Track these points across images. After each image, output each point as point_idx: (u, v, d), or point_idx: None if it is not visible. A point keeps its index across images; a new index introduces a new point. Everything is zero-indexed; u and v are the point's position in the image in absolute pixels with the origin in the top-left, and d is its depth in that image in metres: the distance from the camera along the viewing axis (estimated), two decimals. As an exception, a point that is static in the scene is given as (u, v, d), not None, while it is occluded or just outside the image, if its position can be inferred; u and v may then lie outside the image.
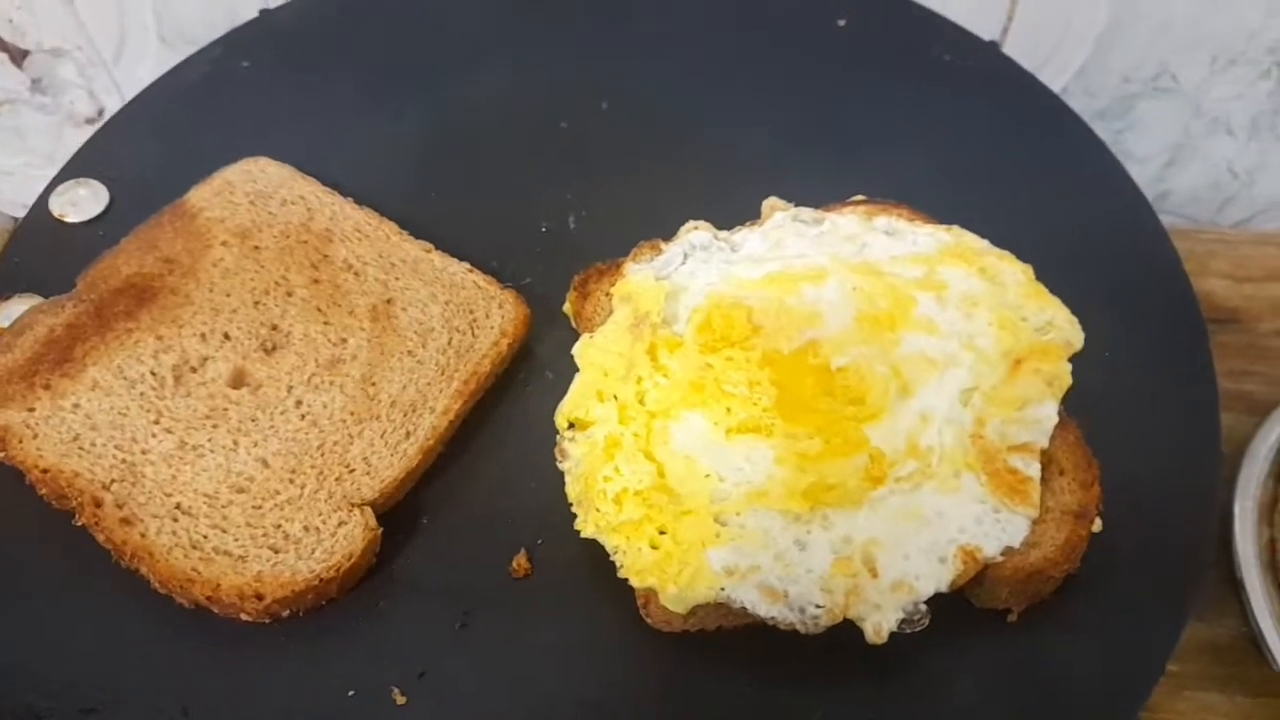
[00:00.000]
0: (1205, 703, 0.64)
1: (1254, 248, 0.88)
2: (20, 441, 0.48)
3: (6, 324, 0.53)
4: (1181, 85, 0.85)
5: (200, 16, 0.88)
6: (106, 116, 0.98)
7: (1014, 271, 0.51)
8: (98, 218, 0.59)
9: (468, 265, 0.56)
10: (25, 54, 0.92)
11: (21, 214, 0.72)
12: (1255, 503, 0.67)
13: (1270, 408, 0.72)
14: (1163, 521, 0.48)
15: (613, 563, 0.46)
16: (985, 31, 0.70)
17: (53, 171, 1.02)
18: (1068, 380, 0.47)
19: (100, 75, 0.94)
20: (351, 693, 0.45)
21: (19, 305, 0.54)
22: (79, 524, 0.46)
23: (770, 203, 0.56)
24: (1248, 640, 0.65)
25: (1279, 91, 0.84)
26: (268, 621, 0.45)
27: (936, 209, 0.56)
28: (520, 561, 0.48)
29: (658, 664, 0.46)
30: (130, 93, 0.95)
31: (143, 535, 0.45)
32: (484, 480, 0.51)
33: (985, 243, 0.53)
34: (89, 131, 0.99)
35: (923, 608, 0.42)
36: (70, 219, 0.58)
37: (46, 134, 0.99)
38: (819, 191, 0.57)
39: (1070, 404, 0.48)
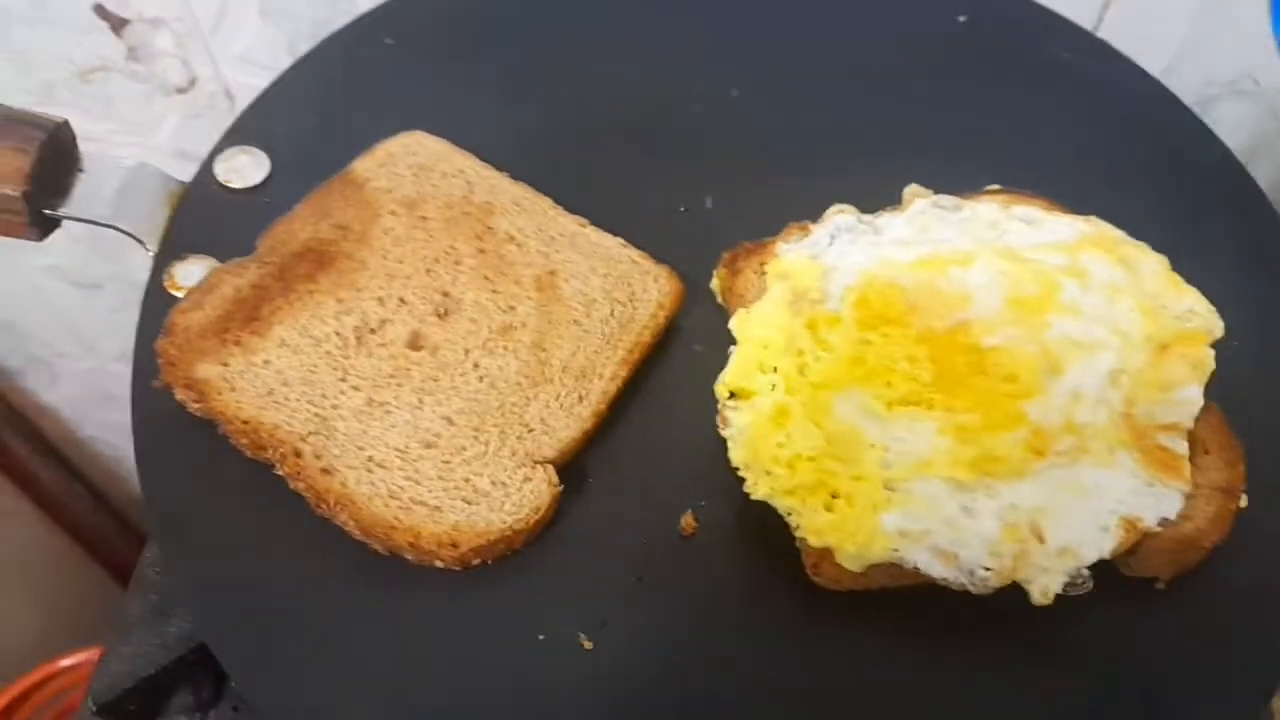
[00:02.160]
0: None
1: (1323, 249, 0.92)
2: (220, 394, 0.50)
3: (185, 283, 0.56)
4: (1262, 88, 0.88)
5: (302, -10, 0.90)
6: (198, 87, 1.00)
7: (1150, 262, 0.54)
8: (260, 185, 0.61)
9: (622, 240, 0.58)
10: (125, 23, 0.94)
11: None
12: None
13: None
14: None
15: (774, 523, 0.49)
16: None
17: (138, 140, 1.05)
18: (1211, 365, 0.50)
19: (196, 46, 0.96)
20: (541, 636, 0.48)
21: (195, 265, 0.57)
22: (279, 473, 0.49)
23: (912, 189, 0.59)
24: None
25: (1356, 98, 0.87)
26: (458, 569, 0.48)
27: (1062, 198, 0.59)
28: (688, 521, 0.51)
29: (825, 618, 0.49)
30: (224, 64, 0.97)
31: (343, 485, 0.48)
32: (643, 445, 0.54)
33: (1122, 233, 0.55)
34: (179, 101, 1.01)
35: (1085, 572, 0.46)
36: (235, 185, 0.61)
37: (135, 102, 1.01)
38: (950, 180, 0.60)
39: (1208, 388, 0.51)
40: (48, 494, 1.31)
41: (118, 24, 0.94)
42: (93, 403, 1.33)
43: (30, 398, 1.32)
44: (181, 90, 1.01)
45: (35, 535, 1.31)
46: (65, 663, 1.18)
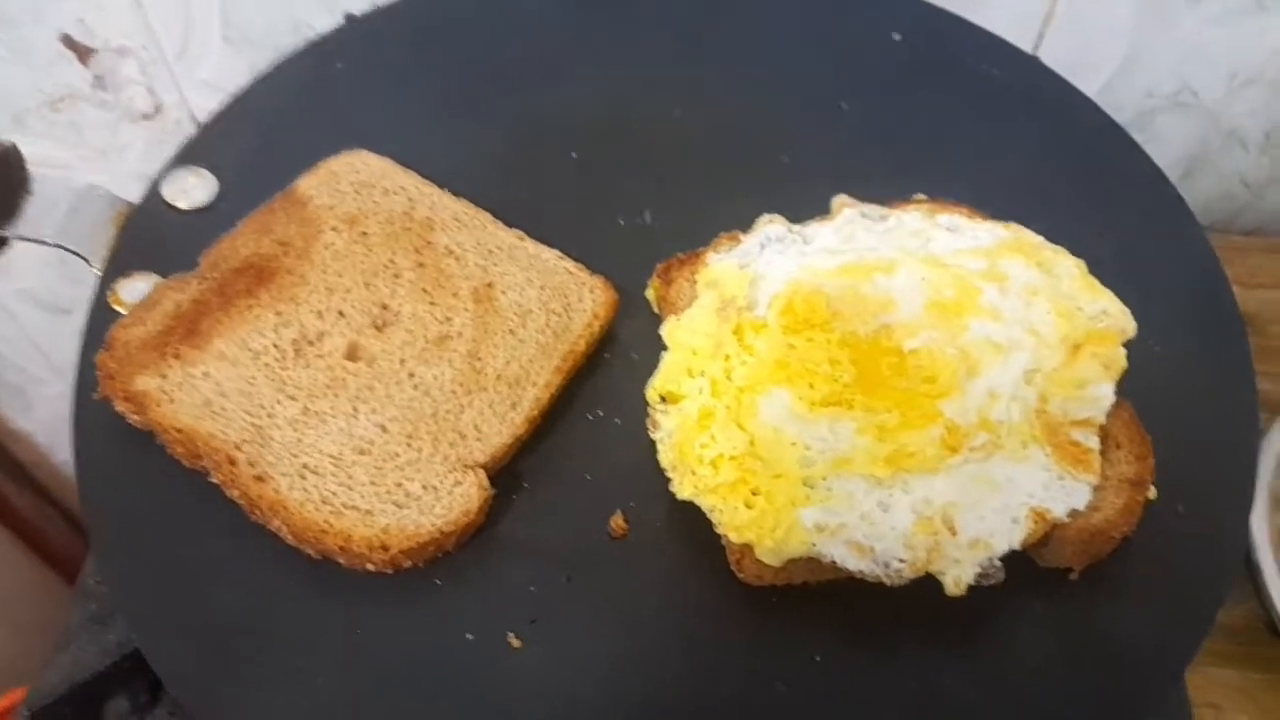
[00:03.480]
0: (1220, 678, 0.69)
1: (1265, 255, 0.94)
2: (158, 405, 0.51)
3: (129, 298, 0.57)
4: (1201, 101, 0.91)
5: (263, 19, 0.92)
6: (164, 114, 1.01)
7: (1068, 265, 0.56)
8: (207, 205, 0.63)
9: (559, 252, 0.60)
10: (91, 52, 0.96)
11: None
12: (1269, 492, 0.73)
13: (1281, 405, 0.77)
14: (1207, 494, 0.52)
15: (702, 523, 0.50)
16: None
17: (106, 167, 1.06)
18: (1123, 363, 0.52)
19: (161, 73, 0.98)
20: (470, 636, 0.49)
21: (139, 282, 0.58)
22: (214, 480, 0.50)
23: (840, 200, 0.60)
24: (1261, 621, 0.70)
25: (1293, 109, 0.89)
26: (390, 572, 0.49)
27: (988, 209, 0.60)
28: (618, 522, 0.52)
29: (749, 614, 0.50)
30: (189, 90, 0.99)
31: (276, 491, 0.49)
32: (578, 450, 0.55)
33: (1041, 238, 0.57)
34: (145, 128, 1.03)
35: (998, 563, 0.47)
36: (182, 205, 0.62)
37: (102, 130, 1.03)
38: (879, 192, 0.61)
39: (1121, 386, 0.52)
40: (22, 519, 1.31)
41: (85, 53, 0.96)
42: (67, 428, 1.33)
43: (3, 424, 1.32)
44: (147, 117, 1.02)
45: (9, 561, 1.31)
46: (38, 689, 1.18)
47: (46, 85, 0.98)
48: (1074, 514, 0.48)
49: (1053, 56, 0.86)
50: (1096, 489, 0.49)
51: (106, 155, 1.05)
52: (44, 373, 1.26)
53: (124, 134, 1.03)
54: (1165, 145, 0.94)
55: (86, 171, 1.05)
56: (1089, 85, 0.89)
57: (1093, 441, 0.50)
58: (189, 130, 1.01)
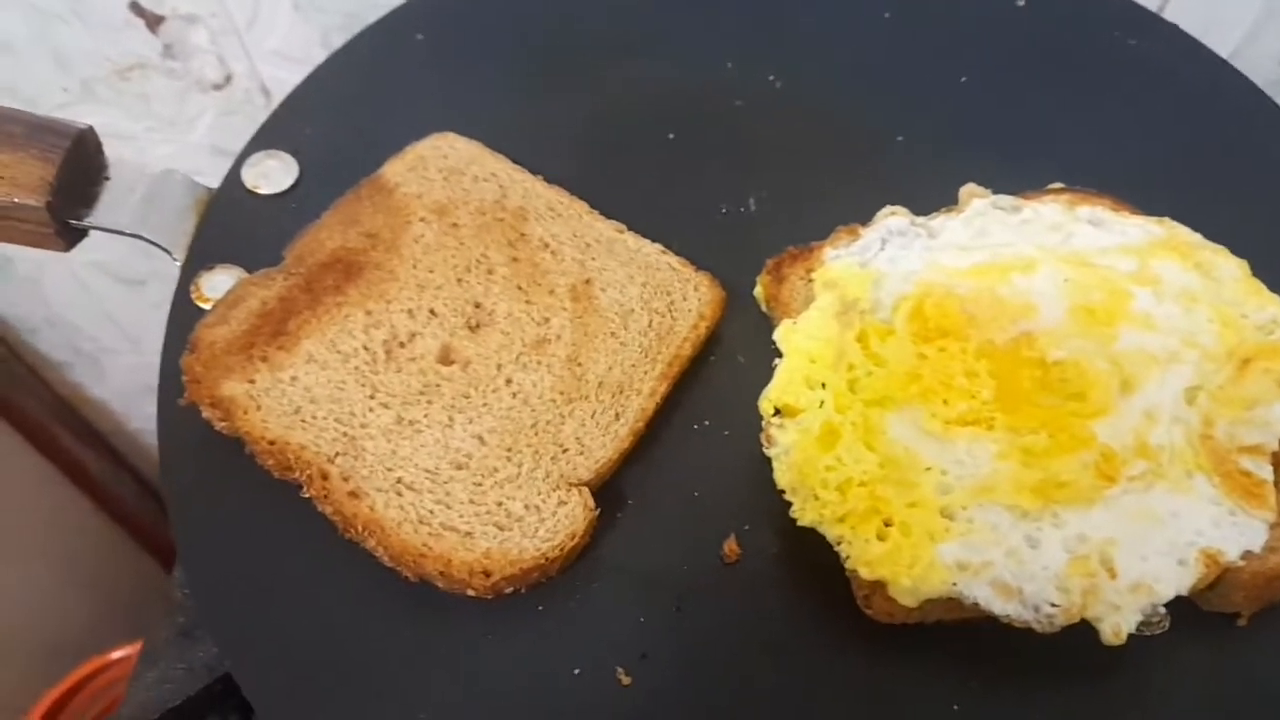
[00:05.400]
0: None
1: None
2: (245, 413, 0.49)
3: (211, 294, 0.54)
4: (1341, 69, 0.83)
5: (334, -15, 0.88)
6: (234, 83, 0.98)
7: (1230, 267, 0.50)
8: (289, 189, 0.59)
9: (660, 246, 0.56)
10: (160, 20, 0.93)
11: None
12: None
13: None
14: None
15: (823, 548, 0.46)
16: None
17: (175, 137, 1.04)
18: (1299, 381, 0.46)
19: (231, 42, 0.95)
20: (577, 671, 0.45)
21: (222, 276, 0.55)
22: (306, 495, 0.47)
23: (968, 189, 0.55)
24: None
25: None
26: (490, 598, 0.46)
27: (1127, 194, 0.55)
28: (731, 546, 0.49)
29: (879, 654, 0.46)
30: (259, 59, 0.96)
31: (371, 509, 0.46)
32: (684, 464, 0.51)
33: (1198, 236, 0.52)
34: (215, 98, 1.00)
35: (1162, 610, 0.42)
36: (263, 191, 0.59)
37: (172, 100, 1.00)
38: (1006, 175, 0.56)
39: None
40: (99, 485, 1.32)
41: (153, 21, 0.93)
42: (139, 395, 1.34)
43: (79, 391, 1.33)
44: (217, 86, 0.99)
45: (86, 525, 1.32)
46: (116, 655, 1.19)
47: (114, 54, 0.95)
48: (1248, 555, 0.43)
49: (1176, 18, 0.80)
50: (1272, 526, 0.44)
51: (175, 125, 1.03)
52: (118, 343, 1.26)
53: (193, 104, 1.01)
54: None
55: (155, 142, 1.03)
56: (1218, 50, 0.82)
57: (1266, 471, 0.45)
58: (260, 101, 0.98)
